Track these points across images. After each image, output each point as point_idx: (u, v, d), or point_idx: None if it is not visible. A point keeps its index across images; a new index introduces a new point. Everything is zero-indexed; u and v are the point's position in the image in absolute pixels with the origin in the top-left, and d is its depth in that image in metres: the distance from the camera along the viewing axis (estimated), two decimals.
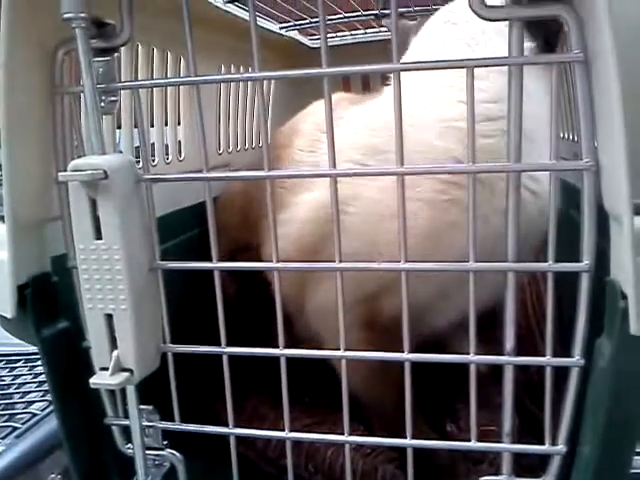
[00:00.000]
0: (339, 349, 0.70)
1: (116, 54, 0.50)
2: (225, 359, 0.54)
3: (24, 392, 1.03)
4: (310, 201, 0.74)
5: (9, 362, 1.15)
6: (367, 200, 0.64)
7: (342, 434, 0.53)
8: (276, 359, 0.53)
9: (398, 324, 0.51)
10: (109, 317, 0.49)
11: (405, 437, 0.52)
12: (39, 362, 1.11)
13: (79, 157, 0.49)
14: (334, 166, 0.46)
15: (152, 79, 0.77)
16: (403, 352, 0.51)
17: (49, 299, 0.56)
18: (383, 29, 1.27)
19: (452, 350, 0.80)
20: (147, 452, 0.57)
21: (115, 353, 0.50)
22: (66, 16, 0.44)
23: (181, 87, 0.88)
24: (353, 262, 0.59)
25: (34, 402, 0.98)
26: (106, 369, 0.50)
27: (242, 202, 0.93)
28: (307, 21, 1.21)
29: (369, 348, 0.54)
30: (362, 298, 0.53)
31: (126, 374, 0.50)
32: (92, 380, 0.50)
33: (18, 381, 1.07)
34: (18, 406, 0.98)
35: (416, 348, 0.51)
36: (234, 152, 1.11)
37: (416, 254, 0.48)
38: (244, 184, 0.94)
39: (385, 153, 0.66)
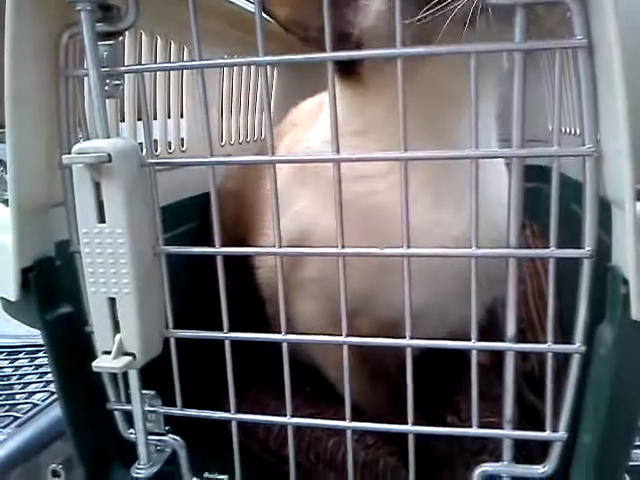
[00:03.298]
0: (328, 365, 0.74)
1: (121, 38, 0.50)
2: (227, 344, 0.54)
3: (25, 383, 1.03)
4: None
5: (10, 353, 1.15)
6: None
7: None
8: (277, 350, 0.53)
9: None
10: (112, 301, 0.50)
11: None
12: (40, 354, 1.12)
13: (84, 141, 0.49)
14: (337, 151, 0.47)
15: (156, 63, 0.77)
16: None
17: (52, 283, 0.56)
18: None
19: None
20: (149, 437, 0.58)
21: (118, 337, 0.50)
22: None
23: (184, 78, 0.89)
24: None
25: (35, 393, 0.98)
26: (109, 353, 0.50)
27: (233, 206, 0.94)
28: None
29: (355, 357, 0.55)
30: (339, 320, 0.55)
31: (129, 358, 0.50)
32: (95, 363, 0.50)
33: (19, 372, 1.07)
34: (19, 397, 0.98)
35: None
36: (236, 144, 1.11)
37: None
38: (234, 186, 0.94)
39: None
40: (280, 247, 0.51)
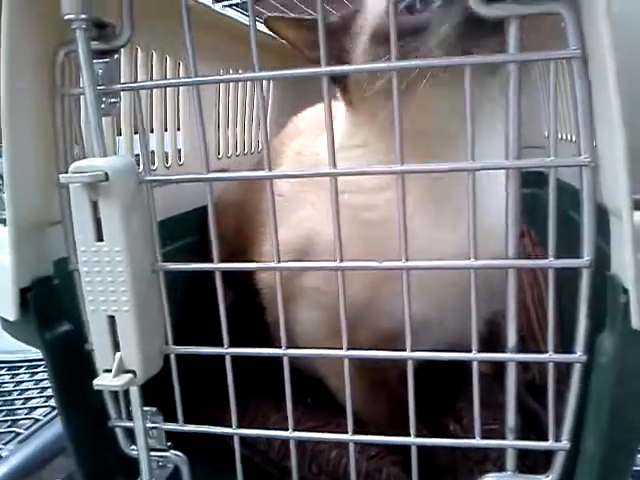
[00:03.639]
0: (329, 374, 0.74)
1: (116, 55, 0.50)
2: (228, 360, 0.54)
3: (26, 398, 1.03)
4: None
5: (11, 369, 1.15)
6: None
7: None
8: (278, 363, 0.53)
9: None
10: (111, 319, 0.50)
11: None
12: (41, 368, 1.12)
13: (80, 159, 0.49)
14: (334, 165, 0.47)
15: (152, 80, 0.77)
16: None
17: (51, 302, 0.56)
18: None
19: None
20: (151, 453, 0.57)
21: (118, 355, 0.50)
22: (67, 17, 0.45)
23: (180, 93, 0.89)
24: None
25: (36, 408, 0.98)
26: (109, 371, 0.50)
27: (235, 215, 0.94)
28: None
29: (356, 368, 0.55)
30: (338, 330, 0.56)
31: (129, 375, 0.50)
32: (95, 382, 0.50)
33: (20, 387, 1.07)
34: (20, 412, 0.98)
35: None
36: (233, 157, 1.11)
37: None
38: (237, 197, 0.95)
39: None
40: (279, 262, 0.50)
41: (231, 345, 0.54)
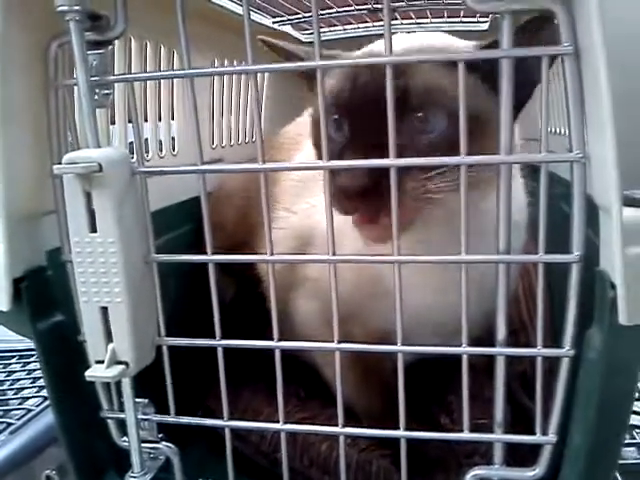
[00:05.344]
0: (324, 363, 0.75)
1: (110, 47, 0.50)
2: (220, 352, 0.54)
3: (18, 388, 1.03)
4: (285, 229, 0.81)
5: (2, 359, 1.15)
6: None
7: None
8: (270, 355, 0.53)
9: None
10: (104, 310, 0.50)
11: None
12: (33, 359, 1.12)
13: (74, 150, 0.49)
14: (327, 159, 0.47)
15: (146, 72, 0.77)
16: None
17: (44, 292, 0.56)
18: (377, 24, 1.28)
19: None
20: (143, 445, 0.58)
21: (110, 346, 0.50)
22: (60, 9, 0.45)
23: (175, 81, 0.89)
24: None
25: (28, 398, 0.98)
26: (102, 362, 0.50)
27: (241, 201, 0.94)
28: (300, 15, 1.21)
29: (350, 359, 0.55)
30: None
31: (121, 367, 0.50)
32: (88, 373, 0.50)
33: (12, 377, 1.07)
34: (12, 402, 0.98)
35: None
36: (227, 147, 1.11)
37: None
38: (243, 182, 0.94)
39: None
40: (272, 255, 0.51)
41: (227, 336, 0.54)
